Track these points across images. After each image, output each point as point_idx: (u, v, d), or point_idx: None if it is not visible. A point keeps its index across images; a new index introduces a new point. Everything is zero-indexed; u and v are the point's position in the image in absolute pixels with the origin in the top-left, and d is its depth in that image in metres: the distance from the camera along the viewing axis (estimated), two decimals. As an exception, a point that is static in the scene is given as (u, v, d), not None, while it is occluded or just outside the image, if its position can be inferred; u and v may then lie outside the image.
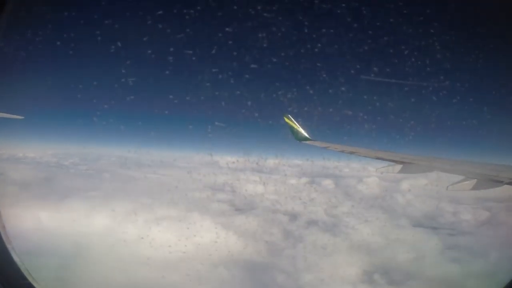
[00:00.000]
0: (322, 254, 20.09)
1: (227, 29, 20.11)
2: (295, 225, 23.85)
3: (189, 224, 20.78)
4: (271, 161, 29.94)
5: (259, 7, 19.33)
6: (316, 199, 26.73)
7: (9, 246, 3.51)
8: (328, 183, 31.56)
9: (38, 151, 36.73)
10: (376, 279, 18.61)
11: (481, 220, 25.12)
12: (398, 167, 8.59)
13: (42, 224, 19.43)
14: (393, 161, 8.98)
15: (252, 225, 22.77)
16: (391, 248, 20.80)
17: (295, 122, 13.23)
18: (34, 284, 3.50)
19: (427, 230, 23.84)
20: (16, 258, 3.51)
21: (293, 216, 24.52)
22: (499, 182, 6.36)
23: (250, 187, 28.76)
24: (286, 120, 13.30)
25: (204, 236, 19.20)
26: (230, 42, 21.13)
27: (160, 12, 18.84)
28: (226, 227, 21.69)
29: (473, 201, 26.98)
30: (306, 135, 13.18)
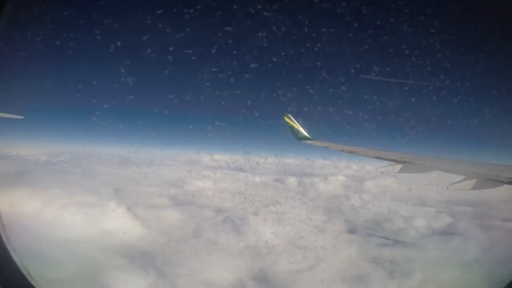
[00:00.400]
0: (206, 253, 19.16)
1: (227, 28, 20.06)
2: (212, 221, 23.10)
3: (102, 213, 21.45)
4: (257, 160, 29.31)
5: (259, 7, 19.30)
6: (263, 197, 25.17)
7: (9, 246, 3.52)
8: (292, 181, 30.46)
9: (33, 150, 37.10)
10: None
11: (435, 228, 23.36)
12: (398, 166, 8.60)
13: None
14: (393, 160, 8.99)
15: (172, 219, 22.79)
16: (297, 256, 18.95)
17: (295, 121, 13.26)
18: (34, 284, 3.51)
19: (360, 237, 22.06)
20: (16, 258, 3.51)
21: (220, 212, 23.98)
22: (499, 182, 6.36)
23: (206, 184, 28.81)
24: (286, 119, 13.32)
25: (108, 225, 20.10)
26: (230, 41, 21.06)
27: (160, 12, 18.82)
28: (141, 219, 21.94)
29: (442, 205, 25.55)
30: (306, 134, 13.19)
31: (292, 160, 29.42)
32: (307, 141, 13.11)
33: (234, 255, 18.95)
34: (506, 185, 6.25)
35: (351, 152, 11.29)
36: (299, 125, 13.20)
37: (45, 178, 27.81)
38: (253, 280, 17.52)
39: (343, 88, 22.84)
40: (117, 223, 20.68)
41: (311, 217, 23.12)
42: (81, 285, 15.87)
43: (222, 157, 31.53)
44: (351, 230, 22.99)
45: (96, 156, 37.38)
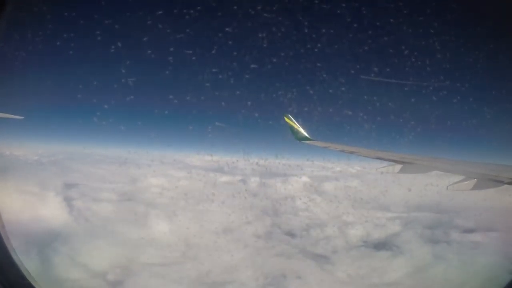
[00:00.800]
0: (102, 242, 19.86)
1: (227, 29, 20.12)
2: (135, 215, 23.59)
3: (36, 202, 22.77)
4: (257, 161, 29.08)
5: (259, 7, 19.33)
6: (206, 196, 25.50)
7: (9, 246, 3.51)
8: (254, 181, 30.31)
9: (29, 150, 37.62)
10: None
11: (370, 239, 21.57)
12: (398, 167, 8.59)
13: None
14: (393, 161, 8.98)
15: (102, 211, 23.93)
16: (172, 252, 19.21)
17: (295, 122, 13.26)
18: (34, 284, 3.51)
19: (269, 243, 21.23)
20: (16, 258, 3.51)
21: (149, 208, 24.63)
22: (499, 182, 6.35)
23: (162, 183, 29.29)
24: (286, 120, 13.32)
25: (37, 212, 21.35)
26: (230, 42, 21.13)
27: (160, 12, 18.85)
28: (73, 209, 23.33)
29: (405, 210, 23.89)
30: (306, 135, 13.19)
31: (286, 161, 29.23)
32: (307, 142, 13.11)
33: (121, 246, 19.59)
34: (506, 185, 6.24)
35: (351, 153, 11.28)
36: (299, 126, 13.21)
37: (15, 174, 28.31)
38: (114, 268, 17.89)
39: (343, 88, 22.94)
40: (46, 211, 22.02)
41: (236, 218, 22.83)
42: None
43: (213, 157, 31.70)
44: (266, 235, 22.27)
45: (90, 157, 38.10)
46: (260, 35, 19.54)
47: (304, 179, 30.50)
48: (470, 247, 19.54)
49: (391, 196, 22.96)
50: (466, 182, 6.62)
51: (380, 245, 21.08)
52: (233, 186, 29.24)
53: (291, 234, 22.65)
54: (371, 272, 18.25)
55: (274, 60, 23.39)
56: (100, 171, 32.61)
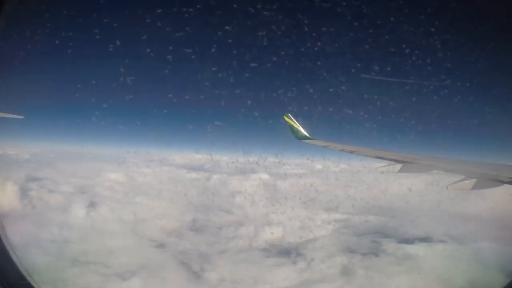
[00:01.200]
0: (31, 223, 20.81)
1: (226, 28, 20.08)
2: (74, 204, 24.53)
3: None
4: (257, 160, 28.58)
5: (259, 6, 19.30)
6: (154, 191, 26.53)
7: (9, 246, 3.51)
8: (216, 178, 30.19)
9: (25, 149, 37.71)
10: None
11: (279, 244, 20.27)
12: (398, 166, 8.59)
13: None
14: (393, 160, 8.98)
15: (50, 200, 25.35)
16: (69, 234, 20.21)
17: (295, 121, 13.24)
18: (34, 284, 3.51)
19: (172, 239, 21.11)
20: (16, 258, 3.51)
21: (91, 198, 25.63)
22: (499, 182, 6.36)
23: (121, 178, 29.93)
24: (286, 119, 13.31)
25: None
26: (230, 41, 21.07)
27: (159, 11, 18.84)
28: (25, 197, 24.59)
29: (357, 211, 22.42)
30: (306, 134, 13.18)
31: (279, 160, 28.36)
32: (307, 141, 13.10)
33: (39, 225, 20.74)
34: (506, 185, 6.25)
35: (351, 152, 11.28)
36: (299, 125, 13.20)
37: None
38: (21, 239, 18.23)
39: (343, 87, 22.84)
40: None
41: (161, 211, 23.38)
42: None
43: (211, 157, 31.50)
44: (173, 229, 22.26)
45: (82, 156, 37.94)
46: (259, 33, 19.51)
47: (265, 176, 29.14)
48: (395, 262, 17.41)
49: (357, 196, 21.38)
50: (466, 182, 6.62)
51: (282, 251, 19.60)
52: (192, 183, 29.24)
53: (200, 230, 22.21)
54: (243, 279, 17.35)
55: (274, 58, 23.34)
56: (76, 168, 33.12)
